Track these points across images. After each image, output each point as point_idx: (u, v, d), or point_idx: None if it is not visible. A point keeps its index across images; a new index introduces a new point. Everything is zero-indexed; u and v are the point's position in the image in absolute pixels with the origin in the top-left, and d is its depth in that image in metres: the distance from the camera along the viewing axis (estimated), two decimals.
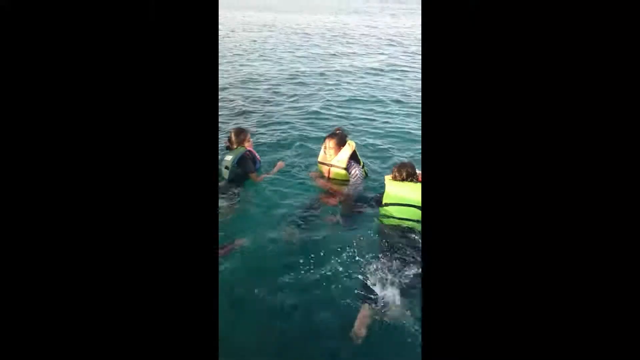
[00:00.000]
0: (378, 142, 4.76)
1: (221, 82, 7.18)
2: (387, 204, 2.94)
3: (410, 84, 7.70)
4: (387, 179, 3.02)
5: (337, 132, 3.52)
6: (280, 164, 3.87)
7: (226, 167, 3.37)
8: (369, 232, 2.88)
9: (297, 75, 8.17)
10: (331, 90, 7.11)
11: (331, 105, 6.24)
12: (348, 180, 3.41)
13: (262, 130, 4.99)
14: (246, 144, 3.56)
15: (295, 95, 6.76)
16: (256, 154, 3.65)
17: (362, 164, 3.55)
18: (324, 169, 3.54)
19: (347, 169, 3.41)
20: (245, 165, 3.46)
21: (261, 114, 5.63)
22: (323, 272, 2.45)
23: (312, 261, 2.54)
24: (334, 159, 3.45)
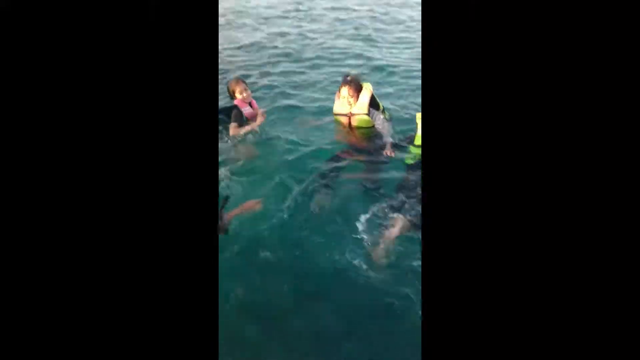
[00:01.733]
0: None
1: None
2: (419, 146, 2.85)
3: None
4: (419, 116, 2.88)
5: (350, 78, 3.27)
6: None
7: None
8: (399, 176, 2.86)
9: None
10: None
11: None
12: (373, 127, 3.29)
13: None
14: (237, 97, 3.46)
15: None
16: (244, 109, 3.48)
17: (381, 107, 3.37)
18: (343, 119, 3.38)
19: (368, 114, 3.25)
20: (225, 119, 3.35)
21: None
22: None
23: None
24: (354, 107, 3.26)
